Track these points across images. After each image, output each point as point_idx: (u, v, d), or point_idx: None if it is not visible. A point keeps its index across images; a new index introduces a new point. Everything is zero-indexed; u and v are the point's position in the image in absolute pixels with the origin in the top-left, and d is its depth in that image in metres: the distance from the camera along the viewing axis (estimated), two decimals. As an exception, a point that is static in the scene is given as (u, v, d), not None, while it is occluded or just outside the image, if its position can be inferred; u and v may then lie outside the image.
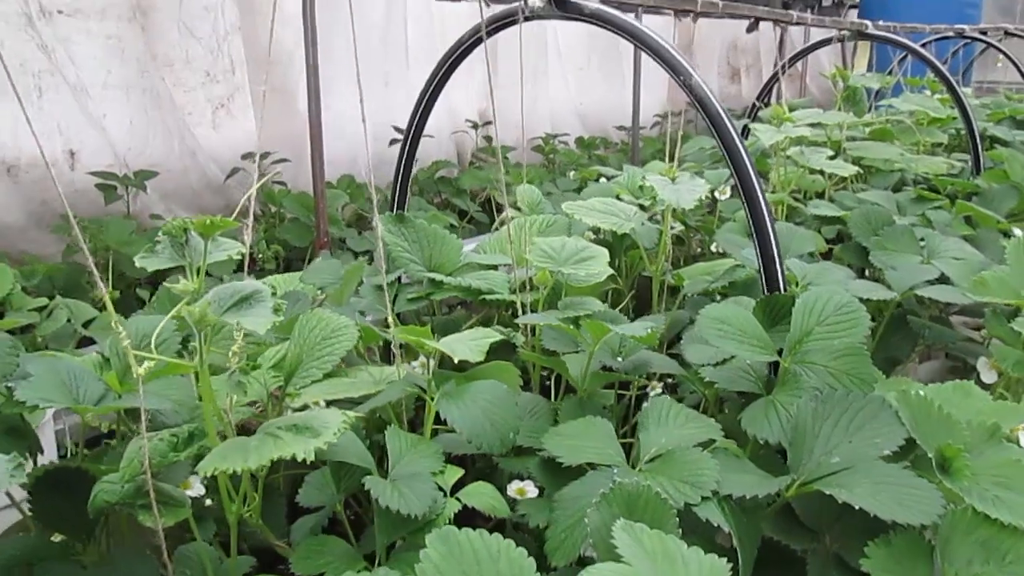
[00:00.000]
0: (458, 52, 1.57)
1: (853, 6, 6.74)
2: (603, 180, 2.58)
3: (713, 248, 2.25)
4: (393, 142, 3.97)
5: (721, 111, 1.21)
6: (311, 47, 2.81)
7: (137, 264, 0.89)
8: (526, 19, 1.35)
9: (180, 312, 0.81)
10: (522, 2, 1.27)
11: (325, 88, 2.91)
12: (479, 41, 1.47)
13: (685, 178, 1.65)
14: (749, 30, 3.66)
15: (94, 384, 0.98)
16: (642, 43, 1.26)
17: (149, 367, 0.80)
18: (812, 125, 2.27)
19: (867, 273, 1.74)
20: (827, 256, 2.13)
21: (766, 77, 7.08)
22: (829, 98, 7.13)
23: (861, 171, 2.49)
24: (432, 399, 1.03)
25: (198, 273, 0.88)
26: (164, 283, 1.31)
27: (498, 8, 1.42)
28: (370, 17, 3.80)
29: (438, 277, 1.54)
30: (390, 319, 1.18)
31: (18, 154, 2.88)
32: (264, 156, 3.44)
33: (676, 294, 1.82)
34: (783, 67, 2.67)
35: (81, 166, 3.00)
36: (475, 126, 4.39)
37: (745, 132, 2.93)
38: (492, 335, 1.10)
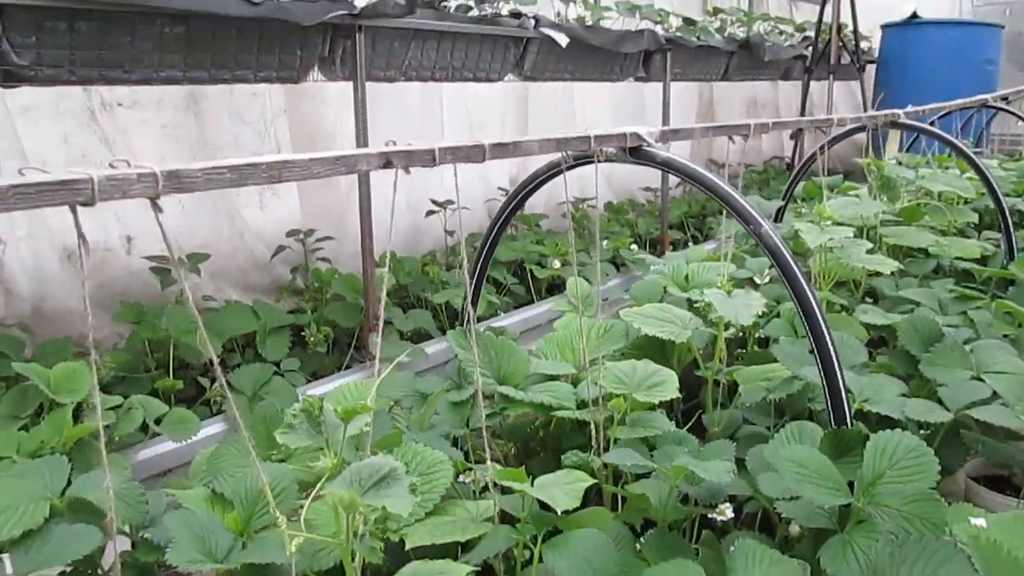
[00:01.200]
0: (536, 182, 1.66)
1: (871, 61, 6.85)
2: (649, 270, 2.63)
3: (759, 335, 2.34)
4: (429, 213, 4.09)
5: (791, 261, 1.28)
6: (361, 126, 2.93)
7: (279, 441, 0.96)
8: (600, 162, 1.44)
9: (329, 493, 0.88)
10: (599, 150, 1.36)
11: None
12: (557, 174, 1.57)
13: (741, 293, 1.73)
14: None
15: (223, 536, 1.06)
16: (712, 192, 1.35)
17: (299, 542, 0.88)
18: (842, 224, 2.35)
19: (913, 380, 1.80)
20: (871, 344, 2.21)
21: (785, 133, 7.21)
22: (849, 152, 7.23)
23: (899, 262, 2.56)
24: (535, 546, 1.10)
25: (335, 452, 0.95)
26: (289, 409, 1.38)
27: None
28: (408, 98, 3.93)
29: (510, 393, 1.62)
30: (486, 454, 1.25)
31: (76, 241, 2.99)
32: (308, 234, 3.56)
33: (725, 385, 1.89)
34: (805, 162, 2.76)
35: (137, 250, 3.11)
36: (507, 194, 4.49)
37: (779, 216, 3.03)
38: (584, 479, 1.18)
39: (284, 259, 3.55)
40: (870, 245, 2.28)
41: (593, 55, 3.94)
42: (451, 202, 4.09)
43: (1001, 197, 2.62)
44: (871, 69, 6.86)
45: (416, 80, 3.21)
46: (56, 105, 2.85)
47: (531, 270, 3.67)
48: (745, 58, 5.12)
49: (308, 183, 3.65)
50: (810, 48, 5.70)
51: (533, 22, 3.46)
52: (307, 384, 2.78)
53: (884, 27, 6.61)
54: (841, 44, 5.04)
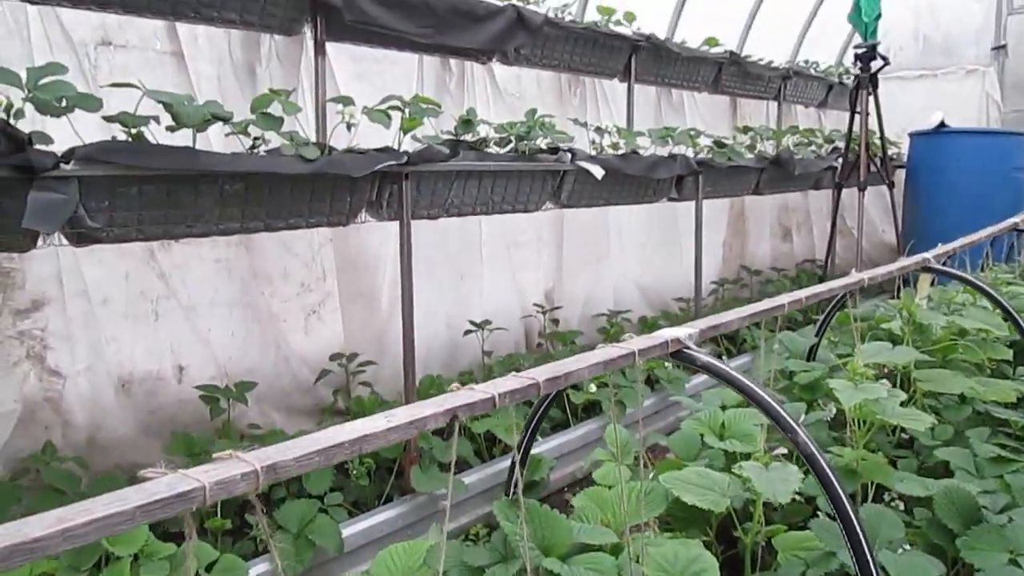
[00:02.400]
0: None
1: (900, 166, 6.95)
2: (683, 389, 2.67)
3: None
4: (467, 332, 4.18)
5: (826, 467, 1.34)
6: (406, 262, 3.04)
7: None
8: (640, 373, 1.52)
9: None
10: (636, 351, 1.44)
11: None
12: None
13: (779, 467, 1.78)
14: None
15: None
16: (751, 398, 1.41)
17: None
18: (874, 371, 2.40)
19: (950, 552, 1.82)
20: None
21: (816, 235, 7.28)
22: (881, 252, 7.26)
23: (933, 413, 2.60)
24: None
25: None
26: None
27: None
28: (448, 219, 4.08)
29: (555, 568, 1.67)
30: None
31: (132, 370, 3.12)
32: (351, 358, 3.66)
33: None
34: (834, 305, 2.82)
35: (188, 379, 3.23)
36: (543, 311, 4.59)
37: (813, 353, 3.07)
38: None
39: (327, 381, 3.65)
40: (903, 396, 2.32)
41: (627, 181, 4.07)
42: (488, 322, 4.20)
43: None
44: (900, 174, 6.96)
45: (458, 216, 3.34)
46: (119, 245, 3.02)
47: (567, 394, 3.72)
48: (775, 173, 5.24)
49: (350, 308, 3.78)
50: (839, 159, 5.80)
51: (569, 156, 3.61)
52: (349, 518, 2.83)
53: (912, 135, 6.73)
54: (869, 156, 5.14)
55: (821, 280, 5.96)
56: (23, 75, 2.07)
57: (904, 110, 6.97)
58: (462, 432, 3.48)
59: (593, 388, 3.78)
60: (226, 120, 2.45)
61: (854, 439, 2.29)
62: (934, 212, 6.45)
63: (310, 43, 3.22)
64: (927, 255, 2.72)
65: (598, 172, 3.67)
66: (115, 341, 3.05)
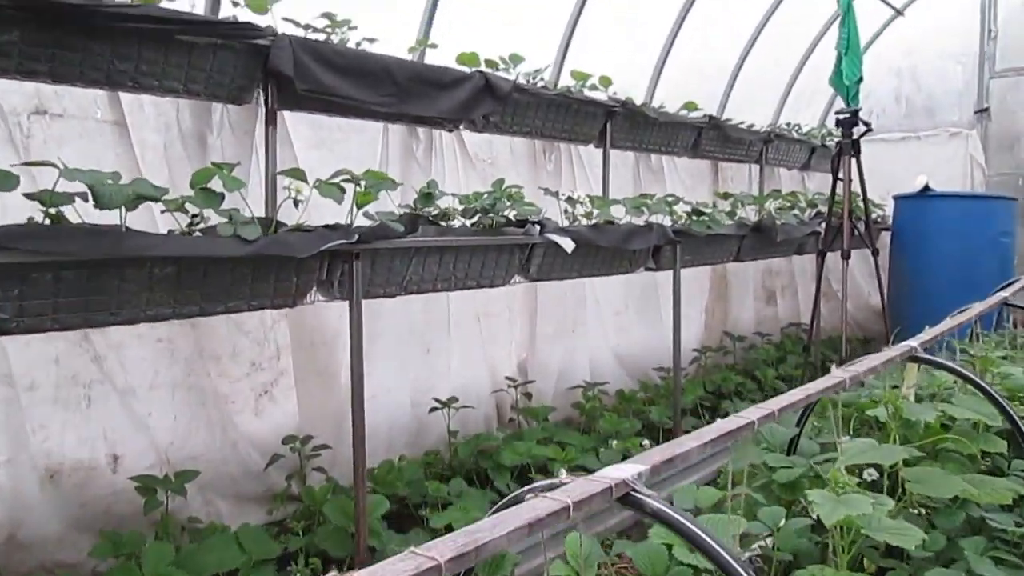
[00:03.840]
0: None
1: (885, 228, 6.84)
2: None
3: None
4: (433, 410, 3.97)
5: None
6: (356, 342, 2.84)
7: None
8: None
9: None
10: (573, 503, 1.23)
11: (367, 363, 2.93)
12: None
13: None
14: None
15: None
16: (711, 558, 1.21)
17: None
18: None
19: None
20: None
21: (801, 298, 7.13)
22: (867, 315, 7.09)
23: (925, 512, 2.40)
24: None
25: None
26: None
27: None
28: (414, 291, 3.89)
29: None
30: None
31: (62, 460, 2.89)
32: (305, 441, 3.44)
33: None
34: (813, 404, 2.63)
35: (124, 469, 2.99)
36: (514, 385, 4.38)
37: (794, 446, 2.87)
38: None
39: (280, 465, 3.41)
40: (891, 505, 2.11)
41: (601, 252, 3.90)
42: (455, 399, 3.99)
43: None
44: (885, 237, 6.84)
45: (417, 293, 3.15)
46: (48, 326, 2.81)
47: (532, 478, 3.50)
48: (757, 240, 5.09)
49: (306, 386, 3.56)
50: (822, 224, 5.67)
51: (538, 228, 3.43)
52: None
53: (897, 198, 6.62)
54: (852, 222, 5.00)
55: (806, 349, 5.78)
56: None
57: (888, 172, 6.87)
58: (421, 522, 3.24)
59: (564, 474, 3.54)
60: (155, 199, 2.27)
61: (838, 557, 2.08)
62: (921, 276, 6.31)
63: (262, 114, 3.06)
64: (912, 343, 2.54)
65: (568, 245, 3.49)
66: (43, 429, 2.83)
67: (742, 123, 5.71)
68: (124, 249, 2.15)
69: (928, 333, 2.75)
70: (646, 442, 4.06)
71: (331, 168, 3.56)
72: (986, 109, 6.79)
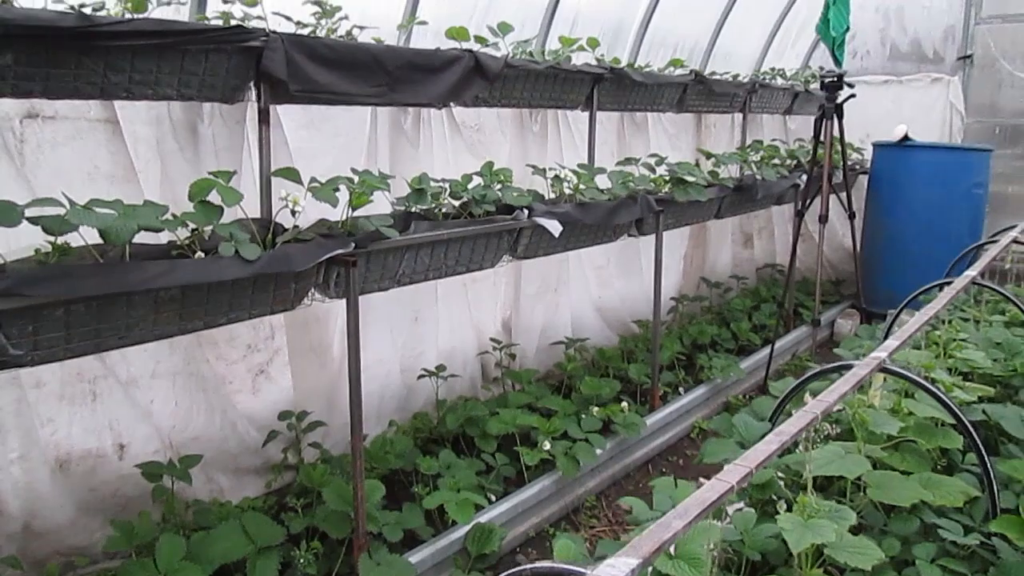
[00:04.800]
0: None
1: (863, 172, 6.94)
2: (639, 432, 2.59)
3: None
4: (421, 376, 4.11)
5: None
6: (354, 341, 2.95)
7: None
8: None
9: None
10: None
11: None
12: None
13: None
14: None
15: None
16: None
17: None
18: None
19: None
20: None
21: (778, 238, 7.26)
22: (841, 256, 7.25)
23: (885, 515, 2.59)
24: None
25: None
26: None
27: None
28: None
29: None
30: None
31: (70, 450, 3.01)
32: (301, 416, 3.58)
33: None
34: (787, 395, 2.78)
35: (130, 456, 3.13)
36: (499, 347, 4.52)
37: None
38: None
39: (276, 438, 3.57)
40: (853, 519, 2.29)
41: (586, 228, 3.98)
42: (443, 367, 4.13)
43: (979, 444, 2.66)
44: (862, 179, 6.94)
45: (410, 284, 3.24)
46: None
47: (522, 452, 3.68)
48: (738, 198, 5.18)
49: (299, 362, 3.68)
50: (803, 176, 5.74)
51: (526, 213, 3.51)
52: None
53: (876, 145, 6.70)
54: (832, 188, 5.08)
55: (780, 304, 5.91)
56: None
57: (870, 115, 6.91)
58: (414, 497, 3.42)
59: (547, 446, 3.74)
60: (158, 229, 2.32)
61: (803, 570, 2.28)
62: (895, 223, 6.46)
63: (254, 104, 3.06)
64: (881, 355, 2.68)
65: (555, 229, 3.58)
66: (51, 423, 2.94)
67: (727, 74, 5.70)
68: (131, 283, 2.22)
69: (897, 338, 2.89)
70: (624, 405, 4.25)
71: (320, 146, 3.61)
72: (969, 56, 6.79)
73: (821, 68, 5.25)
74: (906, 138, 6.35)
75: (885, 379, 3.13)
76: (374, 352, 3.93)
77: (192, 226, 2.54)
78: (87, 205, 2.22)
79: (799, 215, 5.20)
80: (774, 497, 2.82)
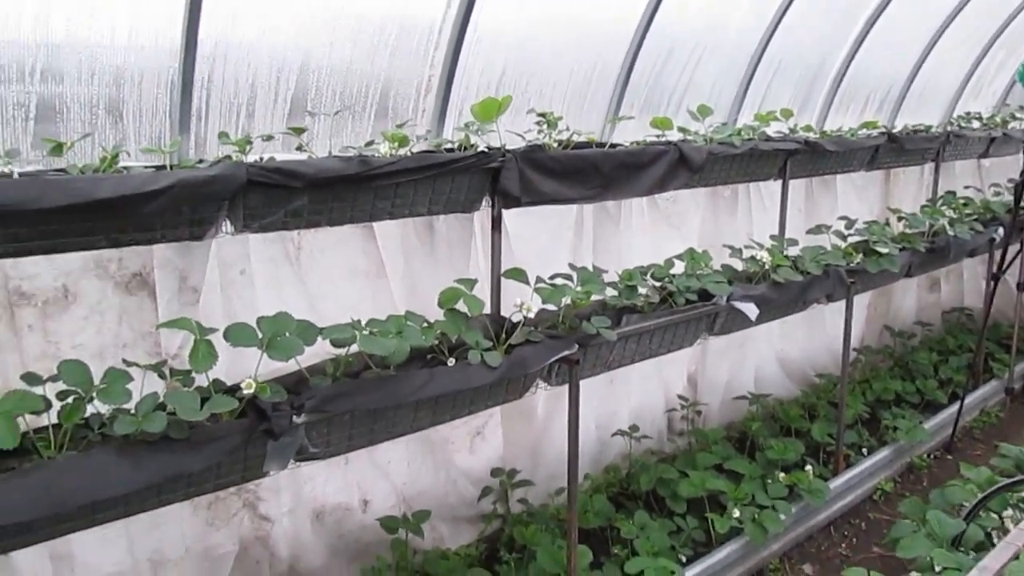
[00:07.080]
0: None
1: None
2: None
3: None
4: (615, 435, 4.43)
5: None
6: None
7: None
8: None
9: None
10: None
11: (558, 400, 3.34)
12: None
13: None
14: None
15: None
16: None
17: None
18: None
19: None
20: None
21: (966, 280, 7.08)
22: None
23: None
24: None
25: None
26: None
27: None
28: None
29: None
30: None
31: (324, 503, 3.53)
32: (511, 475, 3.98)
33: None
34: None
35: (371, 510, 3.62)
36: (686, 405, 4.77)
37: (959, 539, 3.15)
38: None
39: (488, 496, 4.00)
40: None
41: (780, 303, 4.16)
42: (636, 428, 4.44)
43: None
44: None
45: (619, 367, 3.55)
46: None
47: (712, 519, 3.93)
48: (929, 258, 5.16)
49: (510, 424, 4.08)
50: (999, 230, 5.59)
51: (724, 298, 3.74)
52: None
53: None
54: None
55: (971, 362, 5.79)
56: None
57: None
58: (610, 556, 3.74)
59: (736, 512, 3.96)
60: (425, 349, 2.74)
61: None
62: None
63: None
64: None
65: (752, 313, 3.79)
66: (311, 480, 3.46)
67: (919, 127, 5.66)
68: (402, 395, 2.65)
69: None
70: (810, 470, 4.41)
71: (536, 230, 3.97)
72: None
73: (1022, 108, 5.13)
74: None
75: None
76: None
77: (440, 330, 2.95)
78: (368, 324, 2.66)
79: (995, 278, 5.10)
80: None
